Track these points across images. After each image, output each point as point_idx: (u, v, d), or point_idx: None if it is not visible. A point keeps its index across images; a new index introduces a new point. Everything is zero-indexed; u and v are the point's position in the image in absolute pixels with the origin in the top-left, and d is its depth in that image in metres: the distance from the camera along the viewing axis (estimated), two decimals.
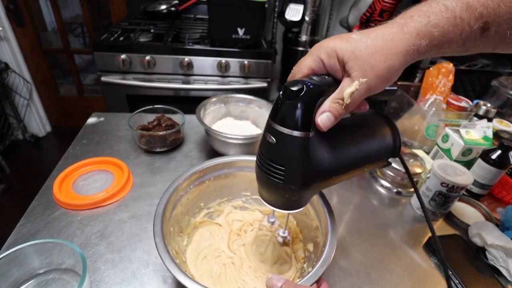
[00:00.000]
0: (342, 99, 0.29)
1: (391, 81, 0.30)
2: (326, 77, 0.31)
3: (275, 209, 0.36)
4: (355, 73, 0.29)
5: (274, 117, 0.30)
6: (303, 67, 0.31)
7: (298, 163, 0.31)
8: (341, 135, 0.34)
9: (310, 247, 0.46)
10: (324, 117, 0.30)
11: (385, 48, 0.28)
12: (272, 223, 0.45)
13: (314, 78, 0.31)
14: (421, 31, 0.28)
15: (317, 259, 0.38)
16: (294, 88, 0.28)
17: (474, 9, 0.27)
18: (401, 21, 0.29)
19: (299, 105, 0.29)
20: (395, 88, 0.35)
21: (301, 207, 0.36)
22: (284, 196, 0.34)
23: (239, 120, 0.77)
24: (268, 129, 0.31)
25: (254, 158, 0.51)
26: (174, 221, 0.44)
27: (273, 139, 0.30)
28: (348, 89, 0.29)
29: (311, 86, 0.29)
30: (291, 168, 0.31)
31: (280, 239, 0.47)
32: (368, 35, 0.29)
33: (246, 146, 0.65)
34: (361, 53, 0.28)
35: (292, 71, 0.32)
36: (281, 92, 0.30)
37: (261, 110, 0.74)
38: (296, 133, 0.29)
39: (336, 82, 0.31)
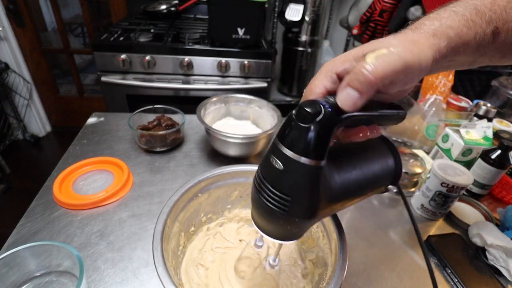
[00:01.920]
0: (365, 63, 0.23)
1: (422, 74, 0.26)
2: None
3: (270, 238, 0.32)
4: (383, 50, 0.24)
5: (283, 139, 0.26)
6: (315, 87, 0.27)
7: (306, 194, 0.27)
8: (347, 160, 0.31)
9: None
10: (343, 95, 0.24)
11: (410, 39, 0.25)
12: (260, 246, 0.40)
13: (331, 99, 0.26)
14: (437, 31, 0.26)
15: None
16: (311, 110, 0.24)
17: (483, 13, 0.26)
18: (412, 27, 0.27)
19: (314, 130, 0.25)
20: (405, 112, 0.32)
21: (298, 238, 0.33)
22: (284, 227, 0.30)
23: (239, 120, 0.77)
24: (274, 151, 0.27)
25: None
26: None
27: (280, 164, 0.26)
28: (372, 53, 0.23)
29: (330, 109, 0.25)
30: (297, 199, 0.27)
31: (268, 267, 0.42)
32: (382, 39, 0.26)
33: (246, 145, 0.65)
34: (388, 41, 0.25)
35: (303, 93, 0.29)
36: (293, 112, 0.26)
37: (261, 110, 0.74)
38: (307, 161, 0.25)
39: None
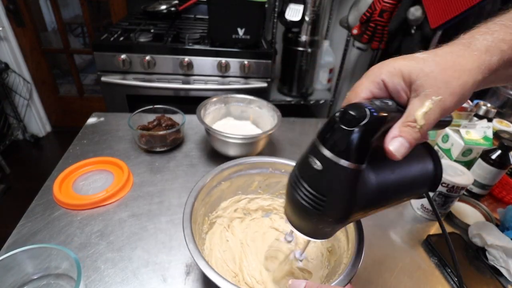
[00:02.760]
0: (415, 121, 0.26)
1: (464, 101, 0.27)
2: (389, 102, 0.28)
3: (301, 235, 0.33)
4: (426, 91, 0.26)
5: (324, 140, 0.26)
6: (361, 91, 0.28)
7: (343, 195, 0.27)
8: (386, 162, 0.30)
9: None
10: (397, 144, 0.26)
11: (456, 64, 0.26)
12: (289, 241, 0.41)
13: (376, 102, 0.27)
14: (490, 46, 0.26)
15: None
16: (356, 114, 0.25)
17: None
18: (464, 41, 0.27)
19: (358, 134, 0.25)
20: (450, 118, 0.33)
21: (328, 237, 0.33)
22: (316, 226, 0.30)
23: (239, 120, 0.77)
24: (314, 152, 0.27)
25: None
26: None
27: (318, 165, 0.27)
28: (420, 109, 0.26)
29: (375, 114, 0.25)
30: (333, 200, 0.27)
31: (293, 259, 0.44)
32: (434, 53, 0.27)
33: (246, 145, 0.65)
34: (432, 69, 0.26)
35: (347, 96, 0.30)
36: (337, 114, 0.26)
37: (261, 110, 0.74)
38: (347, 164, 0.25)
39: (399, 110, 0.28)
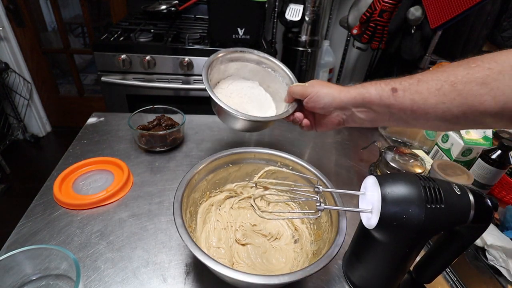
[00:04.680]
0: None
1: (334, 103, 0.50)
2: None
3: None
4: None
5: None
6: None
7: None
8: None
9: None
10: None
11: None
12: (318, 192, 0.42)
13: None
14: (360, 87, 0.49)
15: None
16: None
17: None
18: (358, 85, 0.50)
19: None
20: None
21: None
22: None
23: (246, 81, 0.66)
24: None
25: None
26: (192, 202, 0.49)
27: None
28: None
29: None
30: None
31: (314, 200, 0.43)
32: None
33: (255, 123, 0.58)
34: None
35: None
36: None
37: (275, 74, 0.65)
38: None
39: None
